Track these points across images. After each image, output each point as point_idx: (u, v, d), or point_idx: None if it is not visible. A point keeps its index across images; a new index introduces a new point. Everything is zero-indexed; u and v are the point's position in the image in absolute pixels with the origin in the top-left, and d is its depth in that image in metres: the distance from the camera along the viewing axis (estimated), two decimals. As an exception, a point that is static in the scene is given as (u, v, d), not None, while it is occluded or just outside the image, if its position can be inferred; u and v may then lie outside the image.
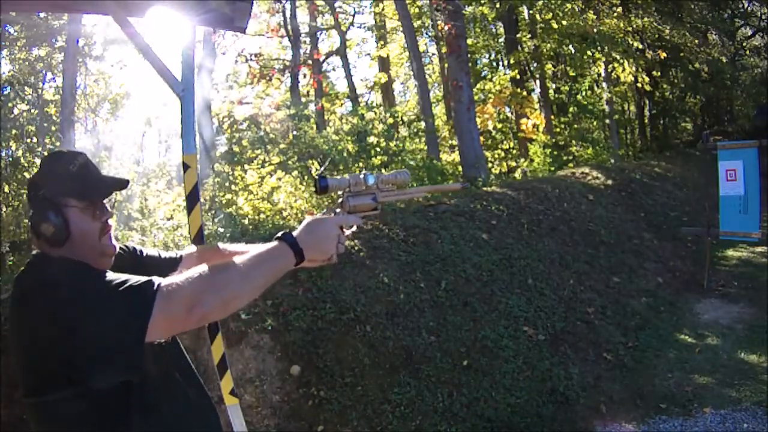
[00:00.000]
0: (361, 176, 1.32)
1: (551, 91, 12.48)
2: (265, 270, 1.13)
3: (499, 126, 12.49)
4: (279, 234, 1.17)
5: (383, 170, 6.85)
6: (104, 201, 1.27)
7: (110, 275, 1.08)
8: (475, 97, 10.38)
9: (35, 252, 1.21)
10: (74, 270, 1.12)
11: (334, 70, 16.59)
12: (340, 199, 1.33)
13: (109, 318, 1.01)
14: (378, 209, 1.35)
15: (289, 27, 11.58)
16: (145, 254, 1.46)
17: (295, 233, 1.18)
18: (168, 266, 1.42)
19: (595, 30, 9.81)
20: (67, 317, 1.01)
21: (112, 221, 1.29)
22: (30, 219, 1.18)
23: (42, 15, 8.66)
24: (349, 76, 12.60)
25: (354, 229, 1.30)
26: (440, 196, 5.66)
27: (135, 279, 1.05)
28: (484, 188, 6.55)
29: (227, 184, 6.27)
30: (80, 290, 1.05)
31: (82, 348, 0.99)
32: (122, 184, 1.33)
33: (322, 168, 1.46)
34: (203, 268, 1.07)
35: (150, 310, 1.00)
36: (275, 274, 1.16)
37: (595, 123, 12.94)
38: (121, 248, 1.36)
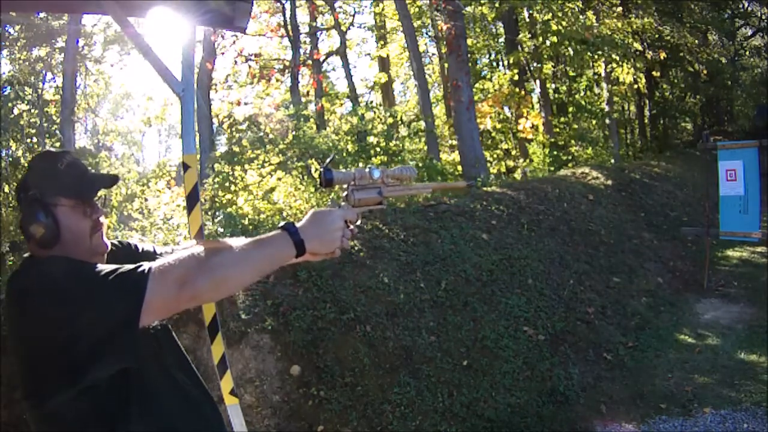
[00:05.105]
0: (367, 170, 1.31)
1: (551, 91, 12.48)
2: (262, 256, 1.11)
3: (499, 126, 12.49)
4: (282, 223, 1.16)
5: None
6: (95, 199, 1.25)
7: (100, 266, 1.08)
8: (475, 97, 10.38)
9: (25, 255, 1.20)
10: (64, 267, 1.11)
11: (334, 70, 16.63)
12: (345, 193, 1.31)
13: (104, 307, 1.01)
14: (383, 204, 1.33)
15: (289, 27, 11.57)
16: (140, 249, 1.45)
17: (298, 224, 1.16)
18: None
19: (595, 31, 9.80)
20: (60, 311, 1.01)
21: (105, 219, 1.28)
22: (21, 221, 1.16)
23: (42, 15, 8.67)
24: (349, 76, 12.59)
25: (358, 222, 1.29)
26: (440, 195, 5.66)
27: (125, 267, 1.05)
28: (484, 188, 6.54)
29: (227, 184, 6.27)
30: (72, 283, 1.05)
31: (79, 339, 0.99)
32: (112, 180, 1.32)
33: (328, 161, 1.43)
34: (197, 248, 1.06)
35: (143, 293, 1.00)
36: (272, 262, 1.15)
37: (594, 123, 12.93)
38: (115, 244, 1.35)
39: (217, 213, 5.67)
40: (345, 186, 1.31)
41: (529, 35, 11.46)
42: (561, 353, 4.22)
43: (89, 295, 1.03)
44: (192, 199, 2.08)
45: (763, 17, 15.75)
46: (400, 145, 7.90)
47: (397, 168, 1.36)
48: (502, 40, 12.83)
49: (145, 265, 1.04)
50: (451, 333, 3.98)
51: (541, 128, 11.38)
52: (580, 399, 3.84)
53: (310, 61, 12.46)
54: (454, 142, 10.26)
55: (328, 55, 14.05)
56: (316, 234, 1.16)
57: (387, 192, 1.33)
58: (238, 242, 1.10)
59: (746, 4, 15.18)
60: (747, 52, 17.47)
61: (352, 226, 1.26)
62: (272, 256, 1.13)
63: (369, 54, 15.64)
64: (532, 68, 12.22)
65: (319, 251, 1.19)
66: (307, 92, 12.95)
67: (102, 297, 1.02)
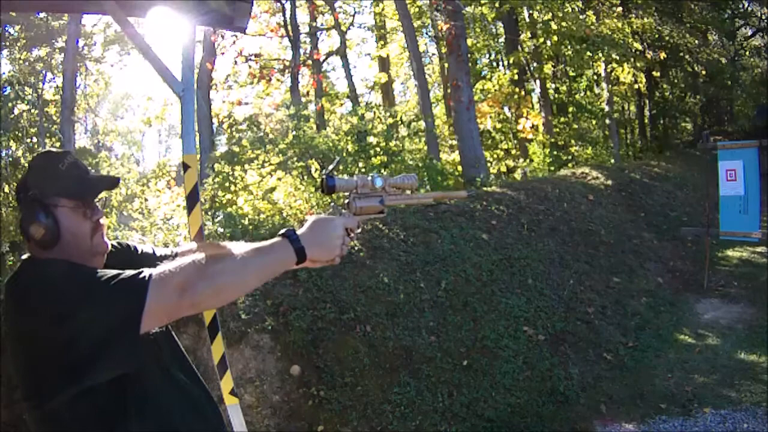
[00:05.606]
0: (369, 178, 1.30)
1: (551, 91, 12.48)
2: (263, 264, 1.11)
3: (499, 126, 12.50)
4: (282, 230, 1.15)
5: (383, 170, 6.84)
6: (95, 200, 1.25)
7: (101, 271, 1.07)
8: (475, 97, 10.38)
9: (24, 257, 1.20)
10: (65, 270, 1.10)
11: (334, 70, 16.62)
12: (346, 200, 1.31)
13: (104, 311, 1.01)
14: (384, 212, 1.33)
15: (289, 27, 11.57)
16: (140, 251, 1.45)
17: (299, 231, 1.16)
18: (162, 263, 1.41)
19: (594, 31, 9.80)
20: (60, 311, 1.00)
21: (105, 220, 1.27)
22: (20, 222, 1.16)
23: (42, 15, 8.68)
24: (349, 76, 12.60)
25: (359, 231, 1.29)
26: (440, 197, 5.66)
27: (126, 272, 1.05)
28: (484, 188, 6.54)
29: (227, 184, 6.27)
30: (72, 285, 1.05)
31: (78, 339, 0.99)
32: (113, 182, 1.32)
33: (331, 167, 1.42)
34: (198, 255, 1.06)
35: (144, 299, 1.00)
36: (273, 269, 1.15)
37: (594, 123, 12.93)
38: (114, 246, 1.34)
39: (217, 213, 5.67)
40: (346, 193, 1.30)
41: (529, 35, 11.46)
42: (561, 353, 4.22)
43: (89, 298, 1.03)
44: (192, 199, 2.08)
45: (763, 17, 15.74)
46: (400, 145, 7.90)
47: (399, 177, 1.35)
48: (502, 40, 12.83)
49: (146, 272, 1.04)
50: (451, 333, 3.98)
51: (541, 128, 11.38)
52: (580, 399, 3.84)
53: (310, 61, 12.46)
54: (454, 142, 10.26)
55: (328, 55, 14.06)
56: (316, 241, 1.16)
57: (388, 201, 1.33)
58: (238, 248, 1.09)
59: (746, 4, 15.17)
60: (747, 52, 17.44)
61: (352, 234, 1.26)
62: (273, 263, 1.13)
63: (369, 54, 15.66)
64: (532, 68, 12.22)
65: (320, 258, 1.19)
66: (307, 92, 12.95)
67: (103, 300, 1.02)
